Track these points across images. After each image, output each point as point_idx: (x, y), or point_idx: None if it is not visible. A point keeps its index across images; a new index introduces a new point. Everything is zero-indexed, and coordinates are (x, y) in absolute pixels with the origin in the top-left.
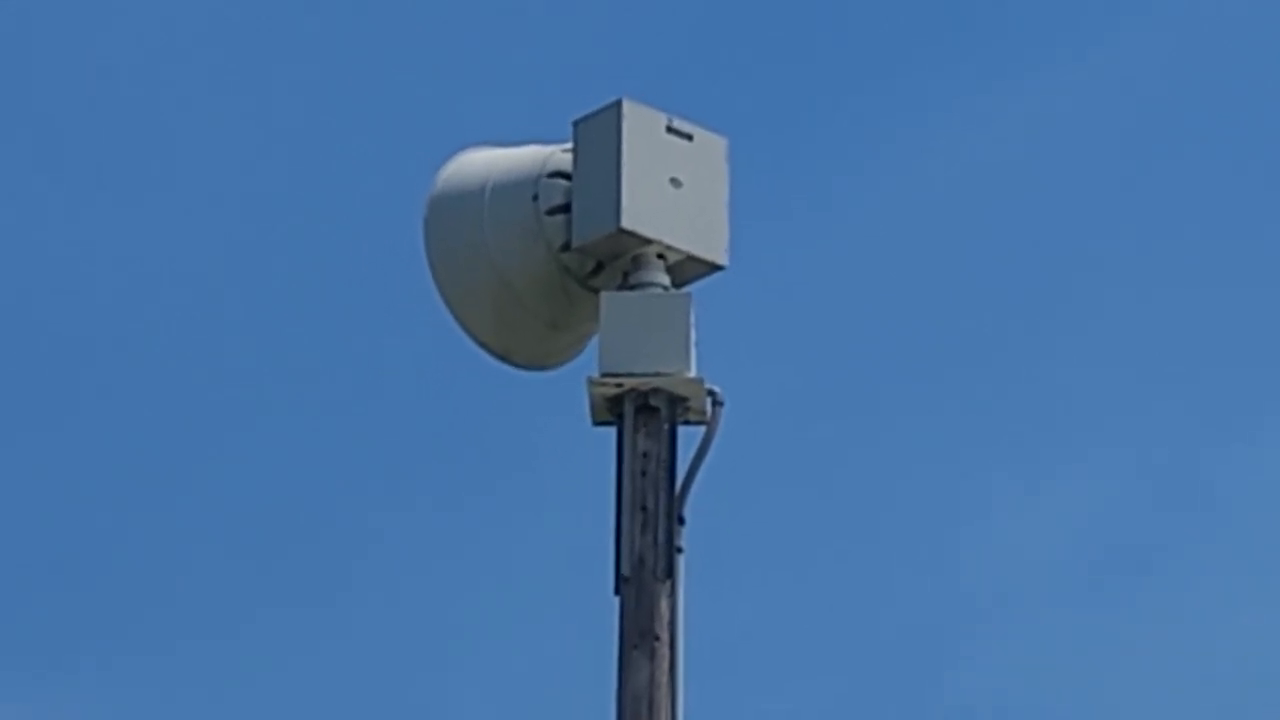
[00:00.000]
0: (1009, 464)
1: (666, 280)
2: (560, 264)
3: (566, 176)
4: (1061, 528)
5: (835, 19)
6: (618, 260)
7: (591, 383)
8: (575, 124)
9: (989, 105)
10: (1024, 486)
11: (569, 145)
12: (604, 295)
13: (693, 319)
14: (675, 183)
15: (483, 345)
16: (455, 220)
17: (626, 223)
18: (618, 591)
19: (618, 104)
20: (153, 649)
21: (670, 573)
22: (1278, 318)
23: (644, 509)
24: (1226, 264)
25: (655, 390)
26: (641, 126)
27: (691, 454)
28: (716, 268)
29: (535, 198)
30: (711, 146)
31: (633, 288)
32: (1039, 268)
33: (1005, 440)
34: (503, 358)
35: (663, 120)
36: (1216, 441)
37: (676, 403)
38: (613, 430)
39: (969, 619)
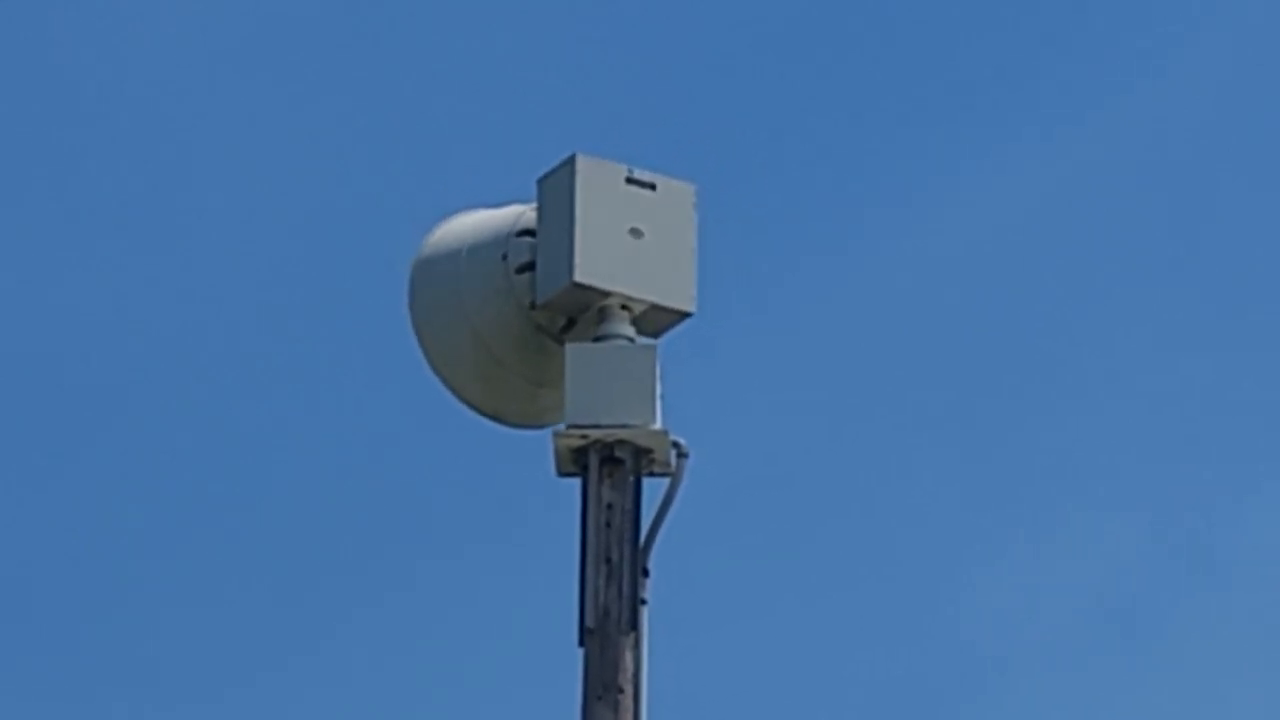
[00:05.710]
0: (999, 524)
1: (631, 332)
2: (533, 322)
3: (534, 234)
4: (1064, 587)
5: (811, 65)
6: (586, 314)
7: (556, 435)
8: (538, 182)
9: (973, 150)
10: (1019, 548)
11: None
12: (569, 347)
13: (658, 370)
14: (636, 233)
15: (473, 407)
16: (436, 283)
17: (580, 276)
18: (582, 643)
19: (571, 159)
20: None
21: (634, 625)
22: None
23: (608, 561)
24: (1240, 325)
25: (620, 442)
26: (597, 180)
27: (656, 506)
28: (684, 315)
29: (505, 257)
30: (678, 194)
31: (599, 340)
32: (1033, 322)
33: (992, 500)
34: (494, 418)
35: (623, 172)
36: (1226, 502)
37: (641, 454)
38: (577, 482)
39: (951, 681)
